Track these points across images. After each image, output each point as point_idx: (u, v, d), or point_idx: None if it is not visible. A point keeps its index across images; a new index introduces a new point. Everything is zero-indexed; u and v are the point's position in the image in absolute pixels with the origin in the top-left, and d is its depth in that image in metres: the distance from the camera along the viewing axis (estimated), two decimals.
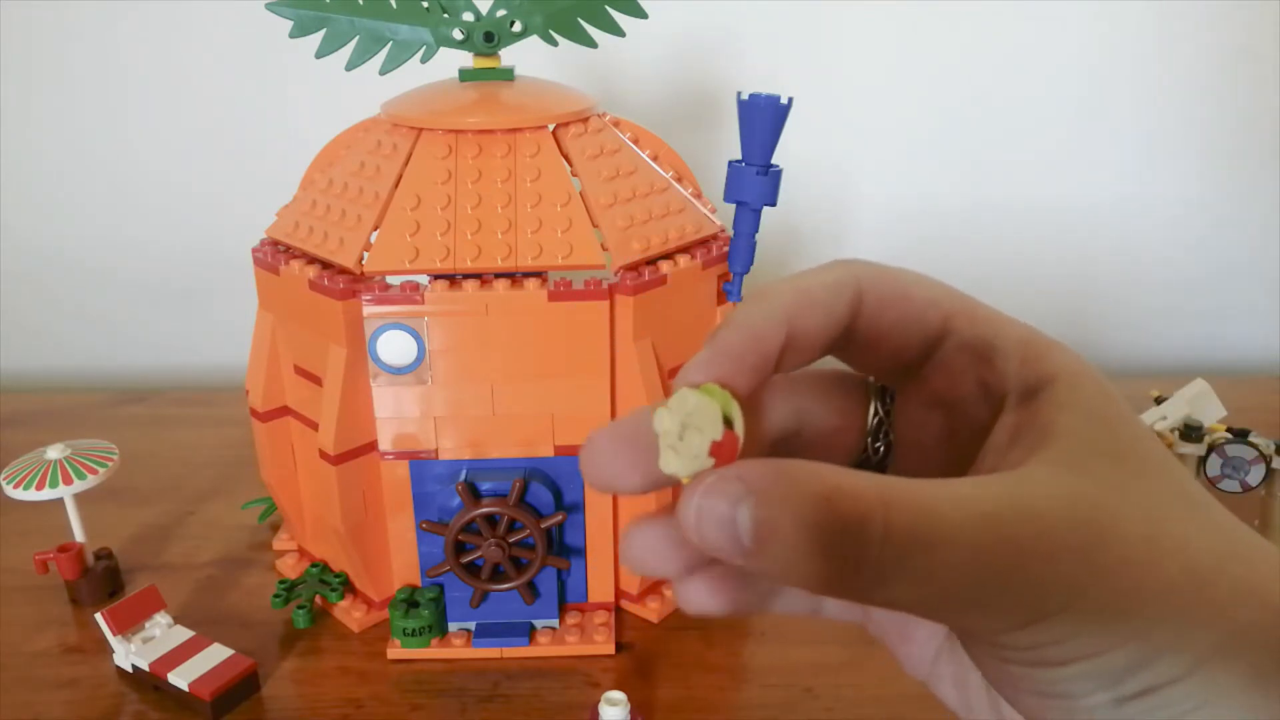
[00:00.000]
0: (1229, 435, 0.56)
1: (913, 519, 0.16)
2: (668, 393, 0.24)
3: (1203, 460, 0.56)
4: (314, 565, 0.58)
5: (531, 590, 0.53)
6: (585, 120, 0.54)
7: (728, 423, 0.18)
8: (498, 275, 0.50)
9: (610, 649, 0.54)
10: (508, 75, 0.55)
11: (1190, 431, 0.56)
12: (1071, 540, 0.17)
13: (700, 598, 0.21)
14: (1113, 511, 0.18)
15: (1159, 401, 0.59)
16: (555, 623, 0.55)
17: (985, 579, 0.17)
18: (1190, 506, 0.19)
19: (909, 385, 0.23)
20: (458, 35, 0.54)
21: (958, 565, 0.16)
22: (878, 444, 0.24)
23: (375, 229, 0.50)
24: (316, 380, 0.52)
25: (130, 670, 0.52)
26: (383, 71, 0.54)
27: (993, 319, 0.22)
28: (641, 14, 0.55)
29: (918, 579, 0.16)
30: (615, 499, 0.54)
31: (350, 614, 0.56)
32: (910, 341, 0.22)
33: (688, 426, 0.18)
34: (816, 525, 0.16)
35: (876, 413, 0.24)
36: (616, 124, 0.59)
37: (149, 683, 0.51)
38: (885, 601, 0.17)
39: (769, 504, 0.17)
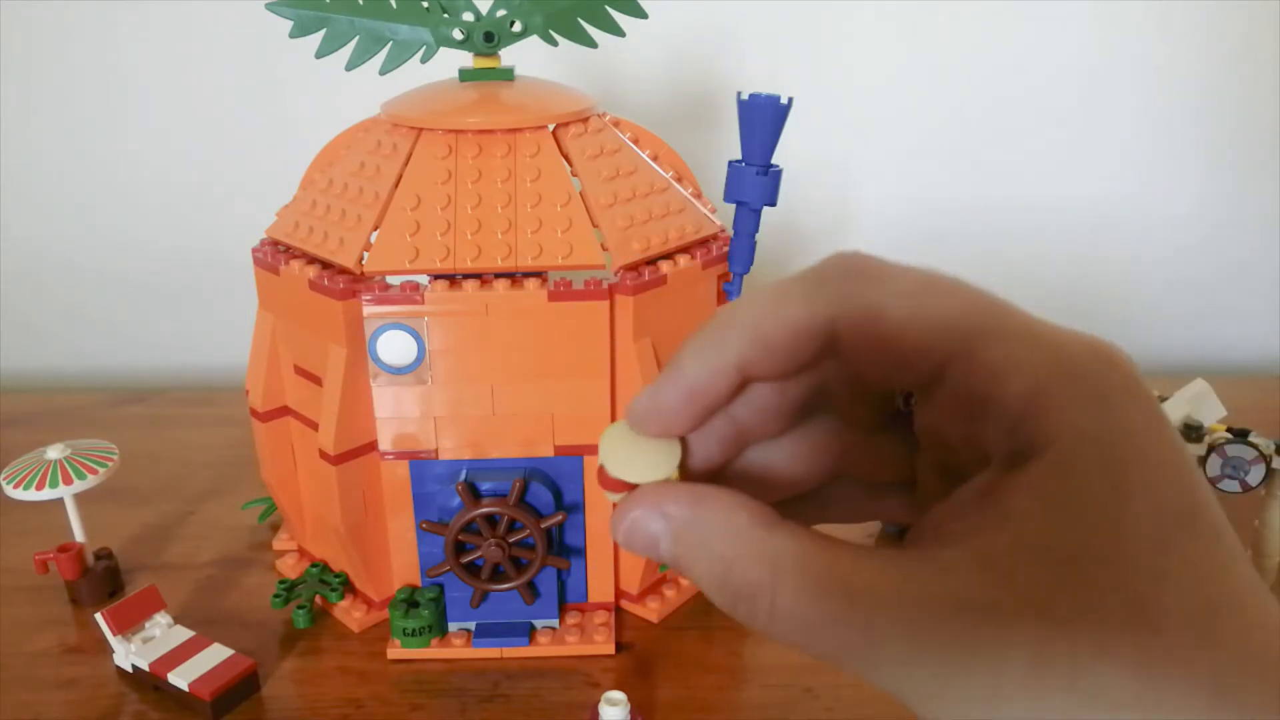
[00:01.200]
0: (1229, 435, 0.56)
1: (794, 603, 0.18)
2: None
3: (1203, 460, 0.56)
4: (314, 565, 0.58)
5: (531, 590, 0.53)
6: (585, 120, 0.54)
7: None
8: (498, 275, 0.50)
9: (610, 649, 0.54)
10: (508, 75, 0.55)
11: (1190, 431, 0.56)
12: (916, 644, 0.17)
13: None
14: (975, 628, 0.17)
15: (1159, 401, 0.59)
16: (555, 623, 0.55)
17: (848, 656, 0.18)
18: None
19: (903, 415, 0.22)
20: (458, 35, 0.54)
21: (826, 644, 0.18)
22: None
23: (375, 229, 0.50)
24: (316, 380, 0.52)
25: (130, 670, 0.52)
26: (383, 71, 0.54)
27: (998, 366, 0.18)
28: (641, 14, 0.55)
29: (797, 638, 0.19)
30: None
31: (350, 614, 0.56)
32: (896, 386, 0.21)
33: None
34: (717, 582, 0.19)
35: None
36: (616, 124, 0.59)
37: (149, 683, 0.51)
38: (778, 639, 0.19)
39: (682, 546, 0.20)
